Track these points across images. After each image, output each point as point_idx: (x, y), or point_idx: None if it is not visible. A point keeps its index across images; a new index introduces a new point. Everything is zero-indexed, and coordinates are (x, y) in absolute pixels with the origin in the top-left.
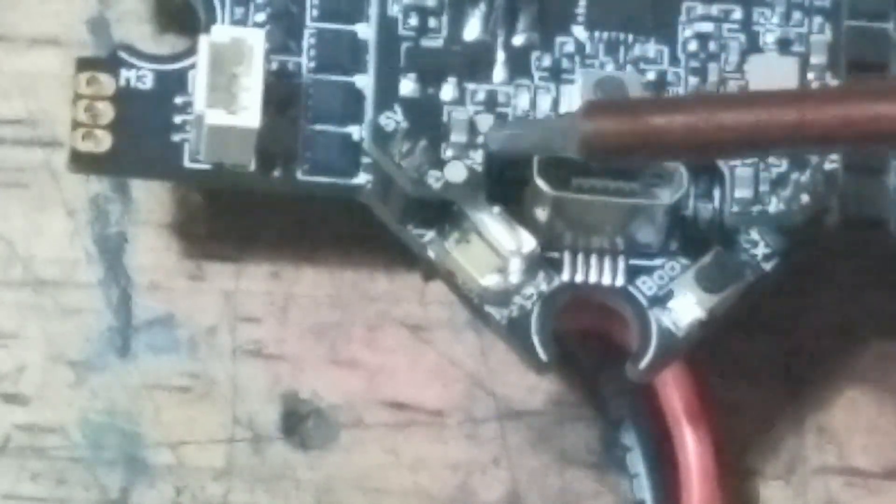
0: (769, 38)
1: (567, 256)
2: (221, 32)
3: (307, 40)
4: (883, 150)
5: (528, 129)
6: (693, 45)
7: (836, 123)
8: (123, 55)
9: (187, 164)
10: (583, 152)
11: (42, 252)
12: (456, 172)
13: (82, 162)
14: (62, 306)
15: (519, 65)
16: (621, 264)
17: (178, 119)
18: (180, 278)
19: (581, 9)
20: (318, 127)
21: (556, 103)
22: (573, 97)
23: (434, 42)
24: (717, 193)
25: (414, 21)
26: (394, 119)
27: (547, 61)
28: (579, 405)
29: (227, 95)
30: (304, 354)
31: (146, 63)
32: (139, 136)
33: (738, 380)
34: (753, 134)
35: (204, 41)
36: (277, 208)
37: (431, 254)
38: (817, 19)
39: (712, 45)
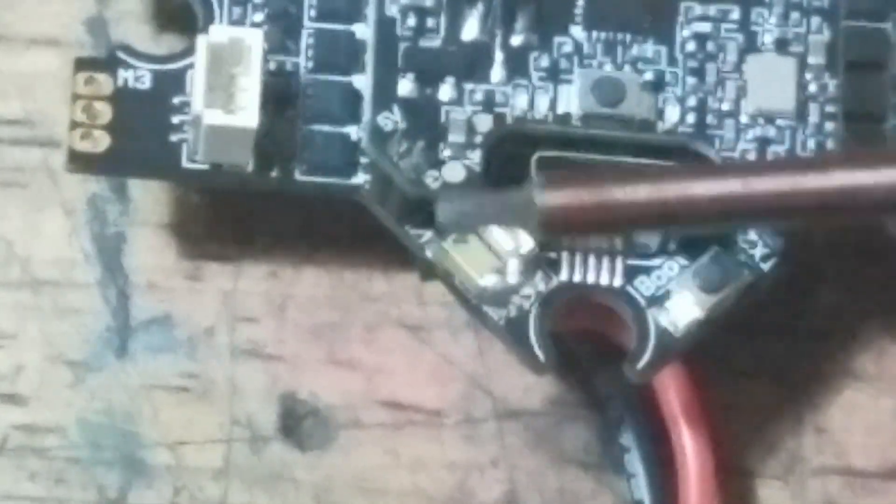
0: (767, 39)
1: (565, 256)
2: (219, 32)
3: (305, 40)
4: (865, 221)
5: (483, 204)
6: (691, 46)
7: (814, 196)
8: (121, 55)
9: (185, 164)
10: (542, 229)
11: (40, 252)
12: (454, 172)
13: (80, 162)
14: (60, 306)
15: (517, 65)
16: (619, 264)
17: (176, 119)
18: (178, 278)
19: (579, 9)
20: (316, 127)
21: (553, 103)
22: (571, 97)
23: (432, 42)
24: None
25: (412, 21)
26: (392, 119)
27: (545, 61)
28: (577, 405)
29: (225, 95)
30: (303, 355)
31: (144, 63)
32: (137, 136)
33: (736, 380)
34: (724, 207)
35: (202, 41)
36: (276, 208)
37: (429, 254)
38: (815, 19)
39: (710, 46)
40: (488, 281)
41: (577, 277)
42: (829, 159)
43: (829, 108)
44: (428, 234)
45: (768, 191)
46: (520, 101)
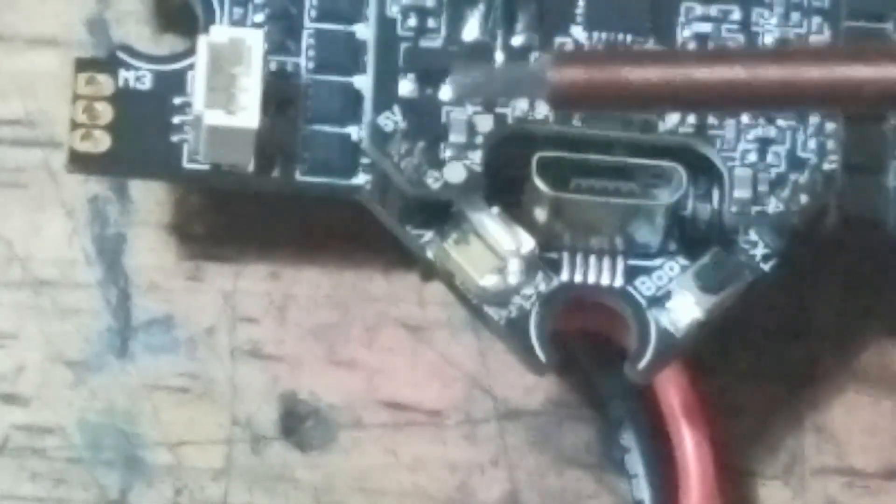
0: (768, 39)
1: (566, 257)
2: (220, 33)
3: (306, 41)
4: (861, 111)
5: (494, 76)
6: (692, 46)
7: (815, 86)
8: (122, 55)
9: (186, 164)
10: (551, 102)
11: (41, 252)
12: (455, 173)
13: (81, 162)
14: (61, 307)
15: None
16: (620, 265)
17: (176, 119)
18: (179, 279)
19: (580, 9)
20: (317, 127)
21: None
22: None
23: (433, 42)
24: (715, 194)
25: (413, 21)
26: (392, 119)
27: None
28: (578, 406)
29: (225, 96)
30: (303, 355)
31: (145, 63)
32: (138, 136)
33: (737, 380)
34: (728, 92)
35: (203, 42)
36: (276, 209)
37: (430, 254)
38: (816, 20)
39: (711, 46)
40: (489, 281)
41: (577, 277)
42: (833, 52)
43: None
44: (428, 235)
45: (771, 79)
46: (520, 102)
